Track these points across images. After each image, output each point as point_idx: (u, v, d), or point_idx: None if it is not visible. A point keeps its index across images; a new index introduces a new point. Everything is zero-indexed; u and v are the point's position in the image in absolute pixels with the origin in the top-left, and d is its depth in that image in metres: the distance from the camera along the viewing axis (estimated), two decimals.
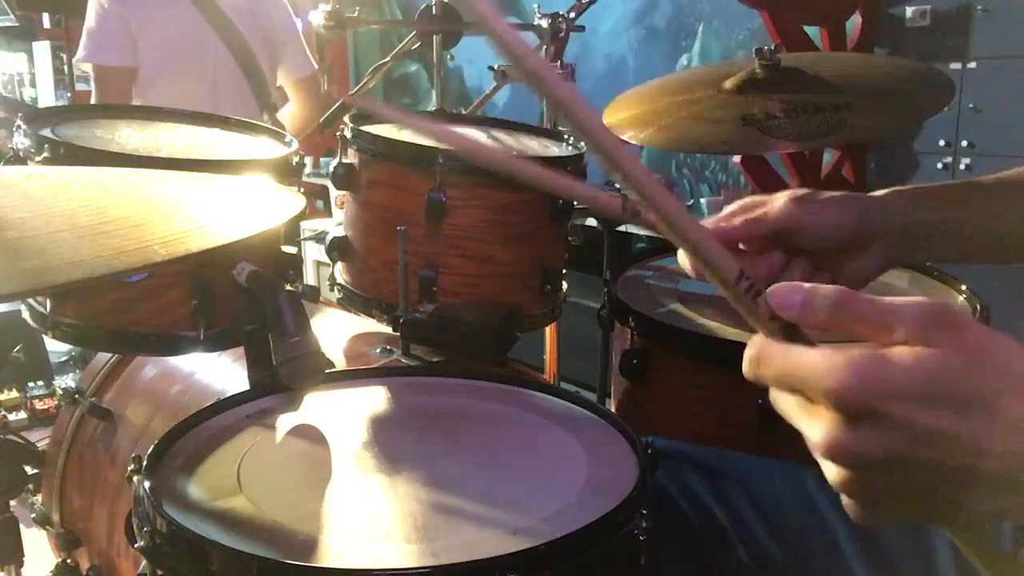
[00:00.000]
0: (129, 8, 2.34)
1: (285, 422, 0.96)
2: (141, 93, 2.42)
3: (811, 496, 0.90)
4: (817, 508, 0.89)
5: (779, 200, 0.81)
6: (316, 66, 2.76)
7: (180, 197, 0.87)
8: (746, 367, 0.57)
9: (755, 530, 0.89)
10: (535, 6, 1.81)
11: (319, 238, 1.54)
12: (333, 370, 1.07)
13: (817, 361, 0.49)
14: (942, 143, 2.97)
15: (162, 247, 0.67)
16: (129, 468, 0.80)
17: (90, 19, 2.38)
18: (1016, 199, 0.89)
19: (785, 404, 0.54)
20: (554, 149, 1.52)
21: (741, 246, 0.81)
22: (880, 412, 0.47)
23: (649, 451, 0.84)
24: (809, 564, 0.87)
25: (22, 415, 3.11)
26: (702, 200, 3.66)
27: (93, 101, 2.39)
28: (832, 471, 0.51)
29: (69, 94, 5.63)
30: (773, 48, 1.42)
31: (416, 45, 1.74)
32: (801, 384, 0.51)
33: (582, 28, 1.79)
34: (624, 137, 1.48)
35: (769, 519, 0.90)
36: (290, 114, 2.71)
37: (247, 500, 0.79)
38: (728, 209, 0.82)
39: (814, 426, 0.50)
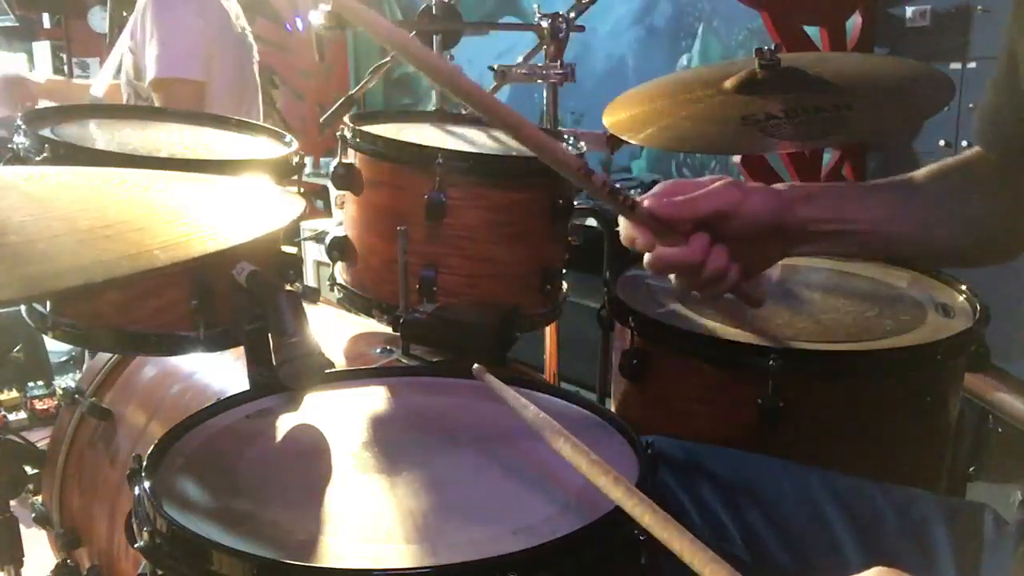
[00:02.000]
0: (210, 24, 2.32)
1: (285, 422, 0.96)
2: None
3: (813, 495, 0.90)
4: (819, 507, 0.89)
5: (714, 184, 0.87)
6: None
7: (180, 199, 0.87)
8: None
9: (757, 528, 0.89)
10: (535, 6, 1.81)
11: (319, 238, 1.54)
12: (333, 370, 1.07)
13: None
14: (942, 143, 2.97)
15: (162, 252, 0.67)
16: (129, 468, 0.80)
17: (167, 32, 2.28)
18: (912, 202, 0.92)
19: None
20: None
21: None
22: None
23: (649, 451, 0.84)
24: (810, 562, 0.87)
25: (22, 415, 3.10)
26: None
27: None
28: None
29: None
30: (773, 48, 1.42)
31: None
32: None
33: (582, 28, 1.79)
34: (624, 137, 1.48)
35: (771, 517, 0.90)
36: None
37: (247, 500, 0.79)
38: (658, 188, 0.88)
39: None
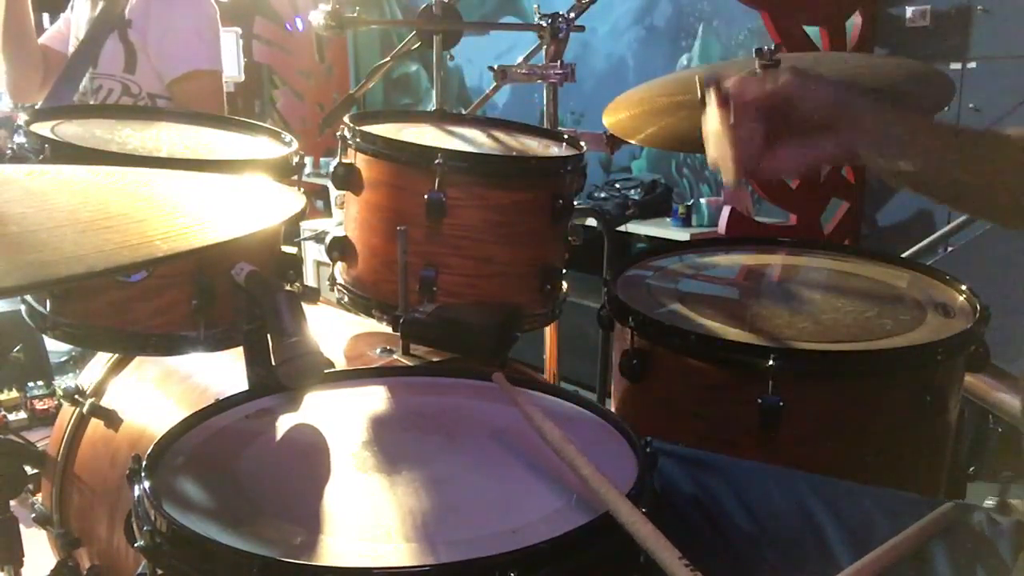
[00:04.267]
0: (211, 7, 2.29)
1: (285, 422, 0.96)
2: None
3: (803, 500, 0.90)
4: (811, 513, 0.89)
5: (782, 74, 0.89)
6: None
7: (181, 196, 0.87)
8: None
9: (746, 534, 0.89)
10: (535, 6, 1.81)
11: (319, 238, 1.54)
12: (333, 370, 1.07)
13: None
14: None
15: (163, 242, 0.67)
16: (129, 468, 0.80)
17: (202, 26, 2.24)
18: (982, 153, 0.90)
19: None
20: (554, 149, 1.52)
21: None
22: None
23: (648, 450, 0.84)
24: (801, 567, 0.87)
25: (22, 415, 3.11)
26: (702, 200, 3.66)
27: (202, 111, 2.23)
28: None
29: None
30: (773, 48, 1.42)
31: (416, 45, 1.74)
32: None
33: (582, 28, 1.79)
34: (624, 137, 1.48)
35: (760, 522, 0.90)
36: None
37: (247, 499, 0.79)
38: (731, 80, 0.90)
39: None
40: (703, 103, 0.93)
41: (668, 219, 3.77)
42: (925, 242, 2.37)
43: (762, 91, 0.88)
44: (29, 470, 1.39)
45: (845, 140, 0.87)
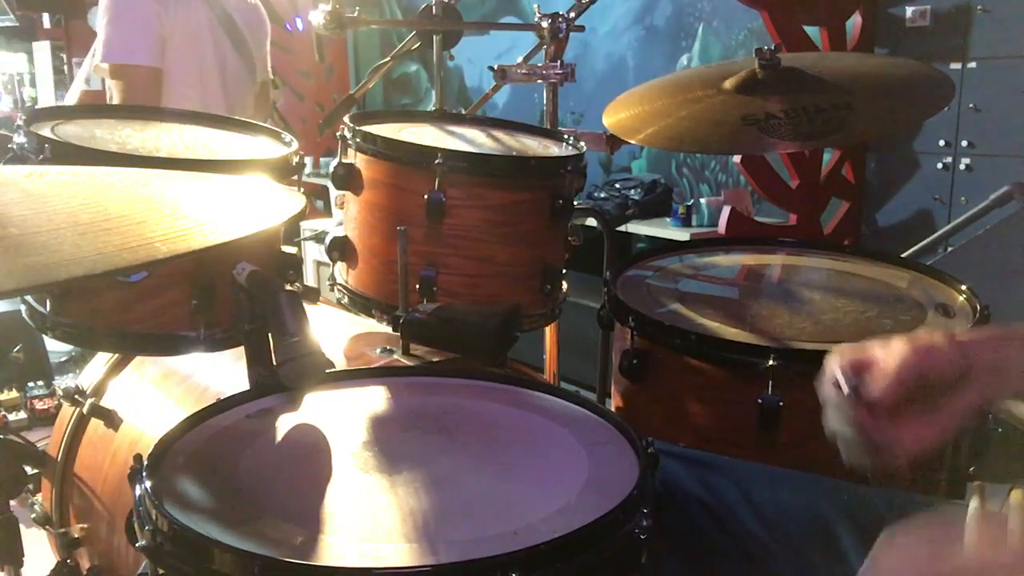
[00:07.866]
0: (161, 4, 2.18)
1: (285, 422, 0.96)
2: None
3: (814, 503, 0.90)
4: (822, 517, 0.88)
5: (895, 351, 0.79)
6: (271, 75, 2.65)
7: (181, 195, 0.87)
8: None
9: (757, 537, 0.89)
10: (535, 6, 1.81)
11: (319, 238, 1.54)
12: (333, 370, 1.07)
13: None
14: (942, 143, 2.97)
15: (163, 244, 0.67)
16: (130, 467, 0.80)
17: (117, 13, 2.15)
18: None
19: None
20: (553, 149, 1.52)
21: None
22: None
23: (649, 451, 0.84)
24: (814, 570, 0.87)
25: (22, 415, 3.10)
26: (702, 200, 3.66)
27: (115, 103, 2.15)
28: None
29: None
30: (773, 48, 1.42)
31: (416, 45, 1.74)
32: None
33: (582, 28, 1.79)
34: (624, 137, 1.48)
35: (769, 524, 0.90)
36: None
37: (248, 499, 0.79)
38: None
39: None
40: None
41: (668, 219, 3.76)
42: (925, 242, 2.37)
43: (890, 386, 0.76)
44: (29, 470, 1.39)
45: (987, 387, 0.79)
